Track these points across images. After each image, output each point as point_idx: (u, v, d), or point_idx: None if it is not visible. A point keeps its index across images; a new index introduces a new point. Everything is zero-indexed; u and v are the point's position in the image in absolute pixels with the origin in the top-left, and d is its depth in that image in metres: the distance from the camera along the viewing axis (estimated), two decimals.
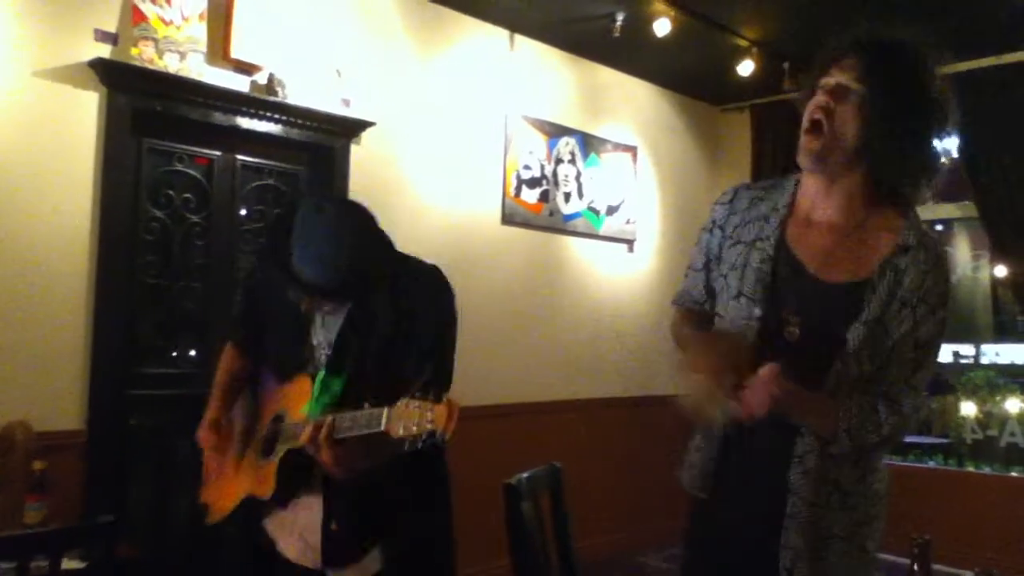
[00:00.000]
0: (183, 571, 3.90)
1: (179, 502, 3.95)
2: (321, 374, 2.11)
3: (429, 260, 2.26)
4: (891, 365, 1.79)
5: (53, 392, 3.53)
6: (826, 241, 1.86)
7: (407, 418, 1.77)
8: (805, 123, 1.83)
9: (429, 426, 1.75)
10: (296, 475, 2.13)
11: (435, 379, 1.94)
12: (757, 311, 1.87)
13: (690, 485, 2.01)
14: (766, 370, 1.68)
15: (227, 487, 2.29)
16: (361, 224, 2.17)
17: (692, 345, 1.85)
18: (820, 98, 1.81)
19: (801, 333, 1.81)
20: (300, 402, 2.12)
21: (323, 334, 2.22)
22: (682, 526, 2.07)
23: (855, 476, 1.84)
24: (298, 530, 2.20)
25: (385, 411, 1.83)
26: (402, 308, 2.13)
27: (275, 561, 2.25)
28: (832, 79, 1.81)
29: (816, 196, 1.90)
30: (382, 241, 2.20)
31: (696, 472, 1.99)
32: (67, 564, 2.16)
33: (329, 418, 1.94)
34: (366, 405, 1.90)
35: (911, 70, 1.80)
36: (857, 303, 1.78)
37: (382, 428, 1.82)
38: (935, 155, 1.84)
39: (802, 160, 1.85)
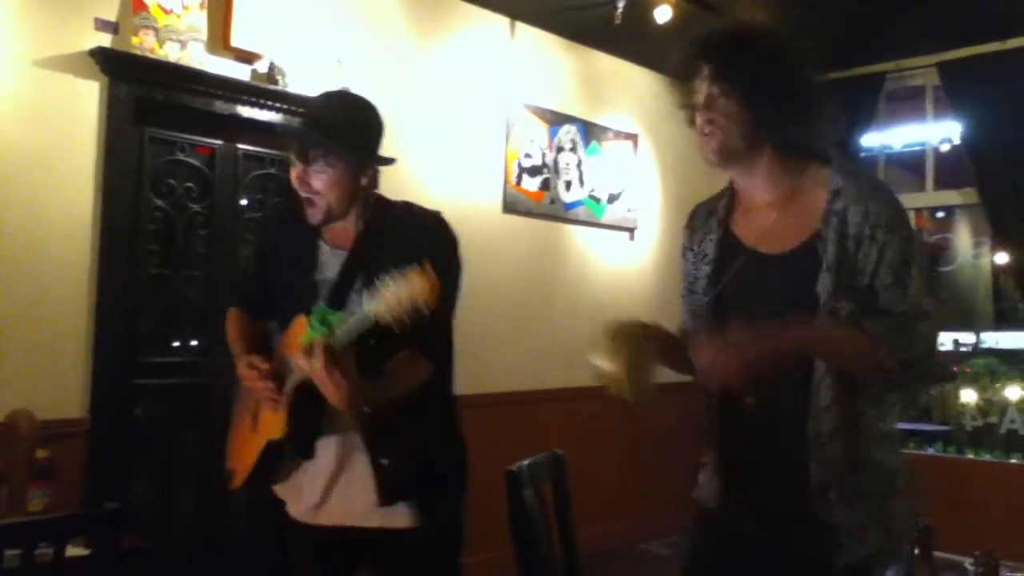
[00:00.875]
0: (187, 560, 3.93)
1: (182, 490, 3.97)
2: (320, 306, 2.07)
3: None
4: (876, 295, 1.79)
5: (56, 381, 3.54)
6: (768, 218, 1.92)
7: (388, 299, 1.78)
8: (696, 138, 1.91)
9: (410, 298, 1.75)
10: (307, 410, 2.12)
11: (441, 311, 1.96)
12: (705, 300, 1.97)
13: (705, 498, 2.01)
14: (730, 334, 1.71)
15: (246, 448, 2.28)
16: (370, 104, 2.29)
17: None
18: (699, 119, 1.89)
19: (752, 312, 1.82)
20: (297, 339, 2.09)
21: (328, 271, 2.23)
22: (684, 526, 2.09)
23: (870, 452, 1.84)
24: (313, 487, 2.19)
25: (366, 302, 1.83)
26: (408, 247, 2.11)
27: (284, 525, 2.25)
28: (699, 94, 1.89)
29: (744, 185, 1.98)
30: (382, 127, 2.28)
31: (708, 484, 2.00)
32: (71, 551, 2.17)
33: (325, 333, 1.94)
34: (349, 311, 1.93)
35: (754, 44, 1.89)
36: (811, 260, 1.81)
37: (371, 320, 1.82)
38: (817, 97, 1.88)
39: (711, 164, 1.93)
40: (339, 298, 2.16)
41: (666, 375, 2.02)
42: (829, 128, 1.91)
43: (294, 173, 2.18)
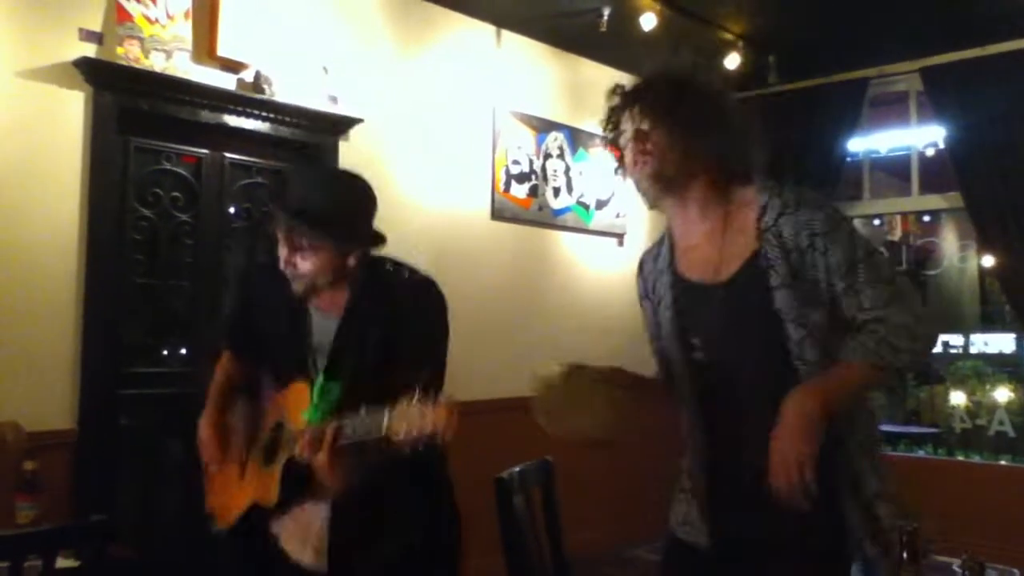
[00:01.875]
0: (174, 570, 3.90)
1: (170, 501, 3.95)
2: (319, 380, 2.13)
3: (421, 268, 2.32)
4: (852, 302, 1.79)
5: (43, 392, 3.52)
6: (707, 250, 1.94)
7: (408, 420, 1.80)
8: (629, 172, 1.98)
9: (429, 427, 1.77)
10: (299, 482, 2.15)
11: (432, 384, 1.96)
12: (677, 350, 1.98)
13: (688, 536, 2.02)
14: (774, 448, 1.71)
15: (233, 494, 2.31)
16: (359, 182, 2.26)
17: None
18: (629, 154, 1.96)
19: (716, 347, 1.90)
20: (299, 408, 2.15)
21: (319, 336, 2.24)
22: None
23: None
24: (301, 534, 2.20)
25: (386, 413, 1.85)
26: (397, 315, 2.17)
27: (276, 562, 2.25)
28: (627, 132, 1.96)
29: (681, 222, 2.00)
30: (373, 207, 2.25)
31: (690, 517, 2.01)
32: (61, 563, 2.16)
33: (333, 424, 1.96)
34: (364, 410, 1.92)
35: (677, 83, 1.95)
36: (758, 279, 1.83)
37: (383, 431, 1.85)
38: (739, 122, 1.95)
39: (645, 198, 1.99)
40: (334, 368, 2.18)
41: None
42: (756, 149, 1.95)
43: (281, 252, 2.18)
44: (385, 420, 1.85)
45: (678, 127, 1.89)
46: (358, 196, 2.24)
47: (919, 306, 1.83)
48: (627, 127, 1.96)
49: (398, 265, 2.30)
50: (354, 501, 2.13)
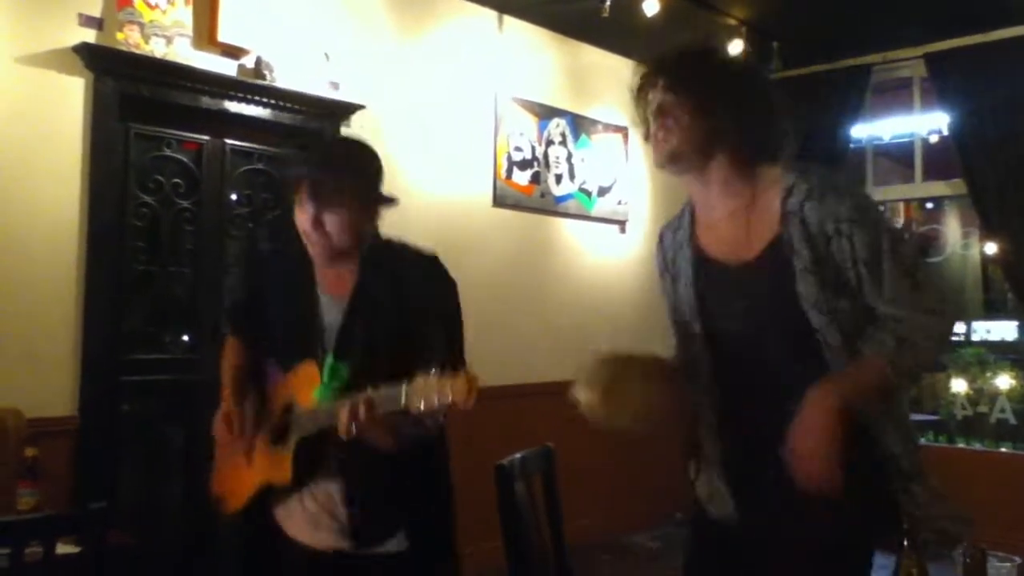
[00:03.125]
0: (175, 557, 3.92)
1: (170, 488, 3.96)
2: (329, 359, 2.13)
3: (425, 246, 2.32)
4: (873, 291, 1.78)
5: (44, 379, 3.53)
6: (729, 228, 1.92)
7: (426, 393, 1.81)
8: (652, 145, 1.96)
9: (448, 399, 1.77)
10: (312, 462, 2.16)
11: (450, 356, 2.00)
12: (697, 327, 1.95)
13: (711, 507, 2.01)
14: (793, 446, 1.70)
15: (241, 478, 2.31)
16: (369, 146, 2.34)
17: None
18: (653, 126, 1.95)
19: (743, 324, 1.87)
20: (308, 389, 2.15)
21: (328, 318, 2.24)
22: (676, 518, 2.09)
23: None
24: (314, 514, 2.21)
25: (403, 387, 1.87)
26: (407, 291, 2.19)
27: (281, 546, 2.26)
28: (652, 103, 1.94)
29: (703, 198, 1.97)
30: (382, 171, 2.30)
31: (711, 490, 1.99)
32: (61, 549, 2.17)
33: (366, 394, 1.96)
34: (382, 386, 1.94)
35: (704, 57, 1.97)
36: (781, 263, 1.81)
37: (402, 404, 1.86)
38: (770, 101, 1.94)
39: (663, 168, 1.96)
40: (344, 348, 2.17)
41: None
42: (784, 128, 1.94)
43: (303, 215, 2.18)
44: (403, 394, 1.86)
45: (702, 102, 1.87)
46: (372, 155, 2.31)
47: (940, 300, 1.81)
48: (655, 98, 1.93)
49: (402, 244, 2.32)
50: (368, 478, 2.15)
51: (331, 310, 2.25)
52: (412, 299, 2.18)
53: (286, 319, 2.31)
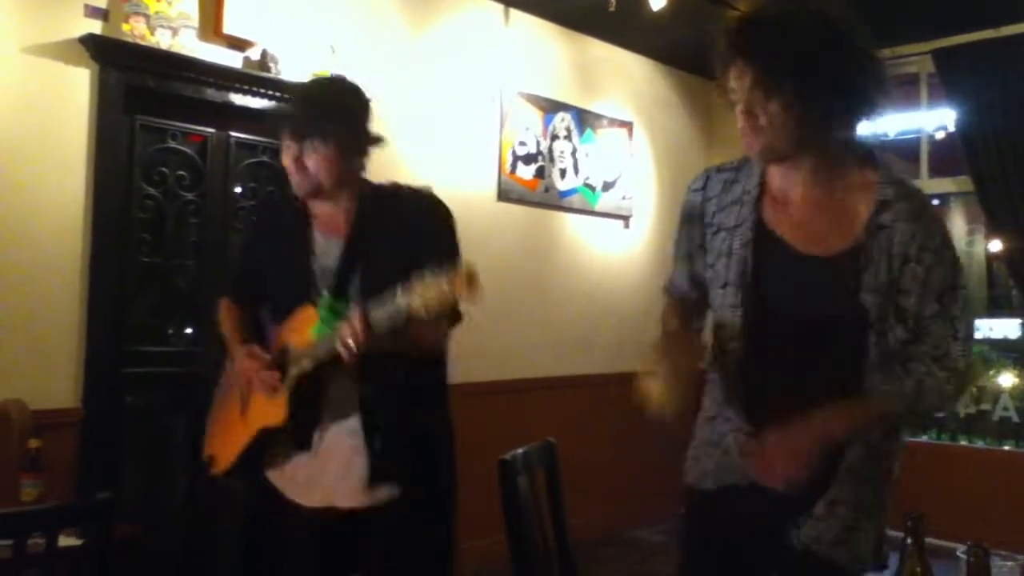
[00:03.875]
0: (178, 547, 3.92)
1: (174, 480, 3.97)
2: (325, 297, 2.12)
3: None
4: (924, 324, 1.76)
5: (48, 370, 3.53)
6: (805, 215, 1.82)
7: (427, 291, 1.82)
8: (741, 134, 1.80)
9: (451, 295, 1.81)
10: (309, 398, 2.15)
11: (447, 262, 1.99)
12: (741, 298, 1.86)
13: (698, 480, 1.99)
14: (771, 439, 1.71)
15: (232, 434, 2.29)
16: (354, 83, 2.34)
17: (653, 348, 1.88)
18: (741, 120, 1.77)
19: (795, 312, 1.81)
20: (303, 330, 2.13)
21: (323, 259, 2.24)
22: (677, 520, 2.09)
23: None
24: (311, 472, 2.20)
25: (399, 288, 1.87)
26: (405, 226, 2.21)
27: (277, 510, 2.25)
28: (737, 94, 1.76)
29: (784, 176, 1.85)
30: (369, 107, 2.32)
31: (708, 467, 1.97)
32: (64, 541, 2.16)
33: (359, 308, 1.96)
34: (382, 296, 1.94)
35: (799, 33, 1.72)
36: (853, 271, 1.76)
37: (399, 306, 1.87)
38: (865, 90, 1.75)
39: (756, 159, 1.86)
40: (342, 287, 2.17)
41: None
42: (873, 115, 1.78)
43: (287, 154, 2.19)
44: (405, 301, 1.86)
45: (802, 101, 1.70)
46: (359, 96, 2.31)
47: (968, 356, 1.80)
48: (739, 88, 1.74)
49: (397, 184, 2.35)
50: (384, 412, 2.16)
51: (326, 249, 2.24)
52: (412, 234, 2.20)
53: (280, 263, 2.31)
